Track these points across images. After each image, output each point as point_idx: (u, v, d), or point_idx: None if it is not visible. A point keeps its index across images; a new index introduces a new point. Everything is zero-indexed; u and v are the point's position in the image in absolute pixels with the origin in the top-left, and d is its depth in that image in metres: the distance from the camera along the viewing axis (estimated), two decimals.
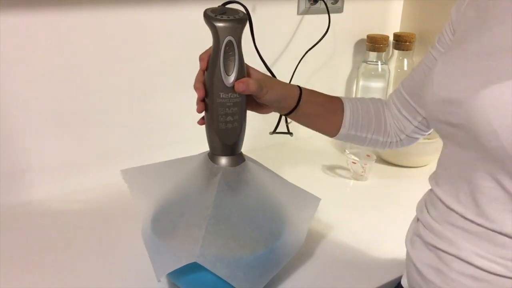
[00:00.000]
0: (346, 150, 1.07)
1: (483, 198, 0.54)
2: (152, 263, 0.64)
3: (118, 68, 0.95)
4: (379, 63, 1.21)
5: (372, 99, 0.80)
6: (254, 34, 0.71)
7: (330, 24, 1.10)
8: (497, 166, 0.52)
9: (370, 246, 0.81)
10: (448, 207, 0.58)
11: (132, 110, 1.00)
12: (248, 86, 0.63)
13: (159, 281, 0.61)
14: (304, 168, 1.09)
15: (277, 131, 0.90)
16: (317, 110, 0.74)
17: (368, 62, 1.22)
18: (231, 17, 0.60)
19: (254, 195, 0.67)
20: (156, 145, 1.05)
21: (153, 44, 0.97)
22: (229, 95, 0.62)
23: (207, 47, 0.64)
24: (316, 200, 0.75)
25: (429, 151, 1.09)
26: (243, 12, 0.63)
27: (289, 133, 0.92)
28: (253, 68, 0.67)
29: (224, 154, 0.66)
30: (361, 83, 1.24)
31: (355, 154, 1.05)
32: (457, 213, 0.57)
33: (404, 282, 0.68)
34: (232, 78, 0.62)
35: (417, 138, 0.78)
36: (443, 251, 0.57)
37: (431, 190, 0.64)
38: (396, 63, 1.26)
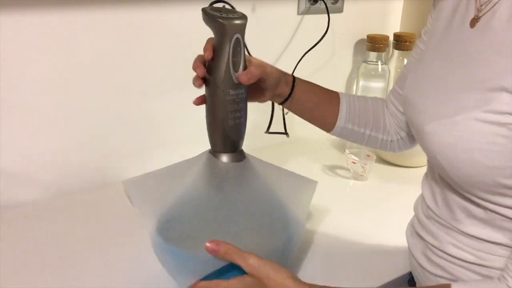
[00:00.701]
0: (346, 150, 1.07)
1: (453, 204, 0.59)
2: (171, 274, 0.63)
3: (118, 68, 0.95)
4: (379, 63, 1.21)
5: (373, 98, 0.80)
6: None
7: (330, 24, 1.10)
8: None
9: (371, 245, 0.81)
10: (428, 207, 0.64)
11: (132, 110, 1.00)
12: (252, 74, 0.63)
13: None
14: (304, 168, 1.08)
15: (274, 131, 0.90)
16: (311, 98, 0.75)
17: (368, 62, 1.22)
18: (236, 15, 0.61)
19: (262, 189, 0.67)
20: (156, 145, 1.05)
21: (153, 44, 0.97)
22: (237, 91, 0.63)
23: None
24: (313, 183, 0.75)
25: None
26: (235, 9, 0.65)
27: (285, 133, 0.92)
28: (245, 54, 0.68)
29: (230, 150, 0.66)
30: (361, 83, 1.24)
31: (355, 154, 1.05)
32: (434, 213, 0.62)
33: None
34: (239, 74, 0.63)
35: None
36: (429, 242, 0.63)
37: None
38: (396, 63, 1.26)
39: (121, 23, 0.92)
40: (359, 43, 1.27)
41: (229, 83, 0.62)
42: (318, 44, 1.10)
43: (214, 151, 0.67)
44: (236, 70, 0.62)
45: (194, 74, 0.66)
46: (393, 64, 1.27)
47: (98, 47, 0.91)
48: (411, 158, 1.10)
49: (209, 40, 0.63)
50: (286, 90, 0.72)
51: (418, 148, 0.86)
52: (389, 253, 0.79)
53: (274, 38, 1.12)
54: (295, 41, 1.15)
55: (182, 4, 0.97)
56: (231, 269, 0.58)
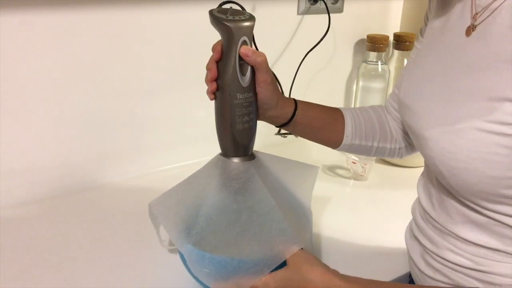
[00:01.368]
0: None
1: (450, 208, 0.58)
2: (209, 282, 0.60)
3: (118, 68, 0.95)
4: (379, 63, 1.21)
5: (371, 107, 0.79)
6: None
7: (330, 24, 1.10)
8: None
9: (370, 246, 0.81)
10: (425, 210, 0.63)
11: (132, 110, 1.00)
12: (255, 57, 0.60)
13: None
14: None
15: (281, 132, 0.90)
16: (314, 123, 0.73)
17: (368, 62, 1.22)
18: (243, 17, 0.60)
19: (277, 184, 0.67)
20: (156, 145, 1.05)
21: (154, 44, 0.97)
22: (245, 95, 0.62)
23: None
24: (315, 169, 0.74)
25: None
26: (246, 11, 0.63)
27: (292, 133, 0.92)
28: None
29: (240, 154, 0.65)
30: (361, 83, 1.24)
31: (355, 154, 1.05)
32: (431, 217, 0.61)
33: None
34: (247, 78, 0.61)
35: None
36: (426, 247, 0.63)
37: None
38: (396, 63, 1.26)
39: (121, 24, 0.92)
40: (359, 43, 1.27)
41: (237, 87, 0.61)
42: (318, 44, 1.10)
43: (225, 155, 0.65)
44: (243, 74, 0.61)
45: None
46: (393, 64, 1.26)
47: (98, 47, 0.91)
48: (411, 158, 1.10)
49: (219, 41, 0.61)
50: (287, 113, 0.69)
51: None
52: (388, 254, 0.79)
53: (274, 38, 1.12)
54: (295, 41, 1.15)
55: (182, 4, 0.97)
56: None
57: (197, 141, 1.10)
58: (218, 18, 0.59)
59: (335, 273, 0.56)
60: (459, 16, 0.57)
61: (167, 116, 1.04)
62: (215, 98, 0.63)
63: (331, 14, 1.10)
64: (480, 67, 0.51)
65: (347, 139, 0.73)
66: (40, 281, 0.71)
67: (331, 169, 1.10)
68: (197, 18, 1.00)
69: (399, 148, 0.77)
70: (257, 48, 0.75)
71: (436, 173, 0.57)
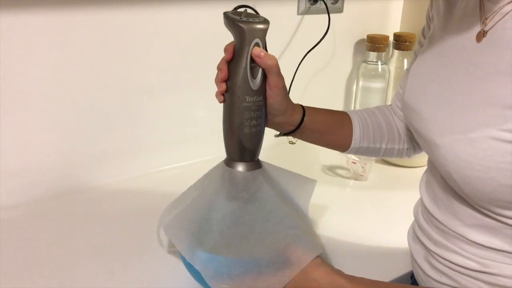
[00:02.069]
0: None
1: (460, 212, 0.57)
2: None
3: (118, 68, 0.95)
4: (379, 63, 1.21)
5: (377, 108, 0.78)
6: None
7: (330, 24, 1.10)
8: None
9: (371, 246, 0.81)
10: (429, 212, 0.62)
11: (132, 111, 1.00)
12: (266, 59, 0.59)
13: None
14: (304, 168, 1.08)
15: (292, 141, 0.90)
16: (321, 128, 0.72)
17: (368, 62, 1.22)
18: (257, 20, 0.59)
19: (279, 194, 0.66)
20: (156, 145, 1.05)
21: (154, 44, 0.97)
22: (254, 98, 0.61)
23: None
24: (313, 182, 0.74)
25: None
26: (259, 14, 0.62)
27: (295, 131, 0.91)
28: None
29: (246, 160, 0.63)
30: (361, 83, 1.24)
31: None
32: (436, 219, 0.60)
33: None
34: (258, 81, 0.61)
35: None
36: (431, 250, 0.61)
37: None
38: (396, 63, 1.26)
39: (121, 24, 0.92)
40: (359, 43, 1.27)
41: (246, 90, 0.60)
42: (318, 44, 1.10)
43: (230, 159, 0.64)
44: (254, 77, 0.60)
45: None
46: (393, 64, 1.27)
47: (98, 47, 0.91)
48: (411, 158, 1.10)
49: (232, 42, 0.61)
50: (294, 119, 0.68)
51: None
52: (389, 253, 0.79)
53: (274, 38, 1.11)
54: (295, 41, 1.15)
55: (182, 4, 0.97)
56: None
57: (197, 141, 1.10)
58: (232, 19, 0.59)
59: (339, 273, 0.56)
60: (468, 20, 0.55)
61: (167, 116, 1.04)
62: (224, 101, 0.62)
63: (331, 14, 1.10)
64: (493, 74, 0.50)
65: (355, 143, 0.73)
66: (40, 281, 0.71)
67: (331, 169, 1.10)
68: (198, 18, 1.00)
69: (407, 149, 0.76)
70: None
71: (450, 181, 0.55)
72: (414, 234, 0.67)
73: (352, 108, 1.31)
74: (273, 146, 1.13)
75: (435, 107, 0.57)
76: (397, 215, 0.88)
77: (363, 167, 1.04)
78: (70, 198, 0.95)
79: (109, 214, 0.90)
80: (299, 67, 1.11)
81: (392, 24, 1.32)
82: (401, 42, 1.20)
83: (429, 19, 0.68)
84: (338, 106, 1.32)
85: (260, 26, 0.59)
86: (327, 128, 0.72)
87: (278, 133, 0.72)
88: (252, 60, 0.59)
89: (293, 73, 1.12)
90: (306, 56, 1.11)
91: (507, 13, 0.50)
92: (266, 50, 0.61)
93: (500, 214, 0.51)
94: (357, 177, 1.05)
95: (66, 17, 0.86)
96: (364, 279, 0.56)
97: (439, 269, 0.60)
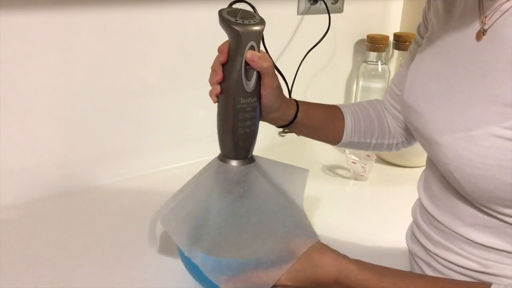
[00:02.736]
0: (346, 150, 1.07)
1: (460, 211, 0.56)
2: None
3: (118, 68, 0.95)
4: (379, 63, 1.21)
5: (368, 102, 0.78)
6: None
7: (330, 24, 1.10)
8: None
9: (370, 246, 0.81)
10: (428, 212, 0.62)
11: (132, 110, 1.00)
12: (261, 61, 0.59)
13: None
14: None
15: (284, 132, 0.90)
16: (314, 122, 0.73)
17: (368, 62, 1.22)
18: (252, 21, 0.58)
19: (274, 187, 0.66)
20: (155, 145, 1.05)
21: (153, 44, 0.97)
22: (248, 100, 0.60)
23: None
24: (305, 171, 0.73)
25: None
26: (257, 14, 0.62)
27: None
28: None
29: (240, 157, 0.63)
30: (361, 83, 1.24)
31: (355, 154, 1.05)
32: (435, 219, 0.60)
33: None
34: (252, 83, 0.60)
35: None
36: (430, 250, 0.61)
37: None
38: (396, 63, 1.26)
39: (121, 23, 0.92)
40: (359, 43, 1.27)
41: (241, 91, 0.60)
42: (318, 44, 1.10)
43: (224, 157, 0.64)
44: (248, 79, 0.60)
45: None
46: (393, 64, 1.27)
47: (98, 47, 0.91)
48: (411, 158, 1.10)
49: (226, 41, 0.60)
50: (288, 115, 0.69)
51: (418, 148, 0.86)
52: (389, 253, 0.79)
53: (274, 38, 1.12)
54: (295, 41, 1.15)
55: (182, 4, 0.97)
56: None
57: (197, 141, 1.10)
58: (227, 20, 0.58)
59: (346, 257, 0.56)
60: (467, 18, 0.55)
61: (167, 116, 1.04)
62: (218, 101, 0.62)
63: (331, 14, 1.10)
64: (493, 72, 0.50)
65: (346, 137, 0.74)
66: (40, 281, 0.71)
67: (331, 169, 1.10)
68: (198, 18, 1.00)
69: (396, 144, 0.77)
70: (266, 50, 0.74)
71: (450, 179, 0.55)
72: (413, 235, 0.67)
73: None
74: (273, 146, 1.14)
75: (435, 106, 0.56)
76: (397, 215, 0.88)
77: (363, 167, 1.04)
78: (70, 198, 0.95)
79: (109, 214, 0.90)
80: (300, 67, 1.11)
81: (392, 24, 1.32)
82: (401, 42, 1.20)
83: (426, 18, 0.68)
84: None
85: (256, 28, 0.58)
86: (320, 123, 0.73)
87: (281, 131, 0.73)
88: (247, 62, 0.59)
89: (294, 73, 1.12)
90: (306, 56, 1.11)
91: (506, 11, 0.50)
92: (265, 47, 0.61)
93: (501, 213, 0.51)
94: (357, 177, 1.06)
95: (66, 17, 0.86)
96: (370, 264, 0.55)
97: (438, 269, 0.60)
